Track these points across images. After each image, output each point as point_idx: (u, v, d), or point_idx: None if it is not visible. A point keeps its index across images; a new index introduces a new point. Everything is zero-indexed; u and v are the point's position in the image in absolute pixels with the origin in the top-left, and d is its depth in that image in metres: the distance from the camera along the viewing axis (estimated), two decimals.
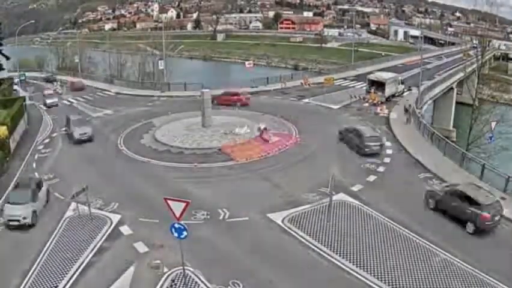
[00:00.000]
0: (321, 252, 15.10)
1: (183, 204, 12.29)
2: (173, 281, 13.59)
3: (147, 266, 14.41)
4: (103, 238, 16.28)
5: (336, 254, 14.98)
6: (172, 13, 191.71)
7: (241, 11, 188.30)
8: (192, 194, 18.82)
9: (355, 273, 13.90)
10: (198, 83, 45.71)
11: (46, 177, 22.60)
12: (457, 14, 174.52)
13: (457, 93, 51.21)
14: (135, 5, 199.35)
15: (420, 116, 31.96)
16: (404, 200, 19.19)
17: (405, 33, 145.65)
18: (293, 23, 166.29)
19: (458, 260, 14.52)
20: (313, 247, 15.44)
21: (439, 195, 18.11)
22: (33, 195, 17.92)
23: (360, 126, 27.42)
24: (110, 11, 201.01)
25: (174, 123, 32.64)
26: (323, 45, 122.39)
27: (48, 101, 43.10)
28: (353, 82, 51.34)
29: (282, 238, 16.14)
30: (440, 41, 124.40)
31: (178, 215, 12.36)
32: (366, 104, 38.98)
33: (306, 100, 41.24)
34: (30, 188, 18.19)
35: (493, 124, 27.90)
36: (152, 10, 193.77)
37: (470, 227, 16.45)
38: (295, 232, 16.45)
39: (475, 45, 56.58)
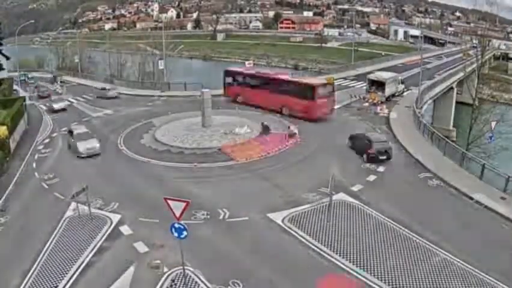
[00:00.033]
0: (321, 252, 15.08)
1: (183, 204, 12.28)
2: (173, 281, 13.57)
3: (147, 266, 14.38)
4: (103, 238, 16.24)
5: (336, 253, 14.97)
6: (172, 13, 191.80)
7: (241, 11, 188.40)
8: (192, 194, 18.80)
9: (355, 273, 13.87)
10: (198, 82, 45.68)
11: (46, 177, 22.63)
12: (457, 13, 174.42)
13: (457, 93, 51.15)
14: (135, 5, 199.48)
15: (420, 116, 31.96)
16: (404, 200, 19.22)
17: (405, 33, 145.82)
18: (293, 22, 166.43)
19: (458, 260, 14.51)
20: (313, 247, 15.41)
21: (353, 138, 25.56)
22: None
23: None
24: (110, 10, 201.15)
25: (174, 123, 32.63)
26: (323, 45, 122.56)
27: (55, 106, 39.77)
28: (353, 82, 51.35)
29: (282, 238, 16.12)
30: (440, 41, 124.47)
31: (178, 214, 12.35)
32: (366, 104, 38.98)
33: None
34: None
35: (493, 124, 27.91)
36: (152, 10, 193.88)
37: (364, 157, 23.65)
38: (296, 232, 16.42)
39: (474, 45, 56.64)
